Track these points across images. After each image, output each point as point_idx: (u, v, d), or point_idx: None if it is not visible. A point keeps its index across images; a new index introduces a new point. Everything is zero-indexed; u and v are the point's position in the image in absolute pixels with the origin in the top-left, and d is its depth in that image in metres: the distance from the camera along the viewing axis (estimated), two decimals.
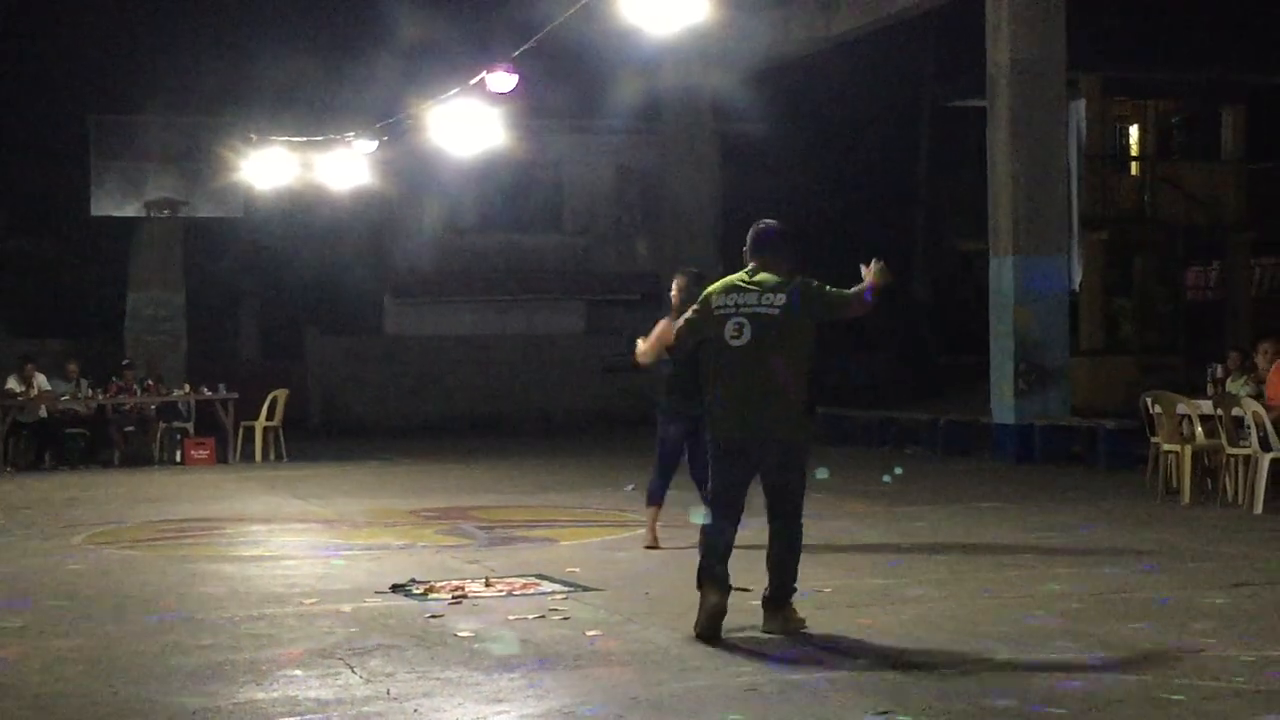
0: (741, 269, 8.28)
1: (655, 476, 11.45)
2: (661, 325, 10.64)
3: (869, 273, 8.15)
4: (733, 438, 8.04)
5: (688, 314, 8.43)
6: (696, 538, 8.14)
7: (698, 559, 8.06)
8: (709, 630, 7.83)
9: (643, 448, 23.20)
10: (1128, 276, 30.36)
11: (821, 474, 14.53)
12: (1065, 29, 20.15)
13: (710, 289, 8.32)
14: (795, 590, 8.13)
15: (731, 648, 7.56)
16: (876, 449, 21.94)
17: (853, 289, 8.16)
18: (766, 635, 7.88)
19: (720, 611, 7.87)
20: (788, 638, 7.87)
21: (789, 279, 8.12)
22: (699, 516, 8.20)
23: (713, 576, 7.94)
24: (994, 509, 14.12)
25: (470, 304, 30.82)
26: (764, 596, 8.13)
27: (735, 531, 8.12)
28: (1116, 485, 16.11)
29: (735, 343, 8.01)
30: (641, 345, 10.73)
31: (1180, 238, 30.14)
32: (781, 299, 8.00)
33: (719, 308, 8.11)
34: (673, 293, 11.16)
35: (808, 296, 8.05)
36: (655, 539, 11.43)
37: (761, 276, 8.12)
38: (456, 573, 10.30)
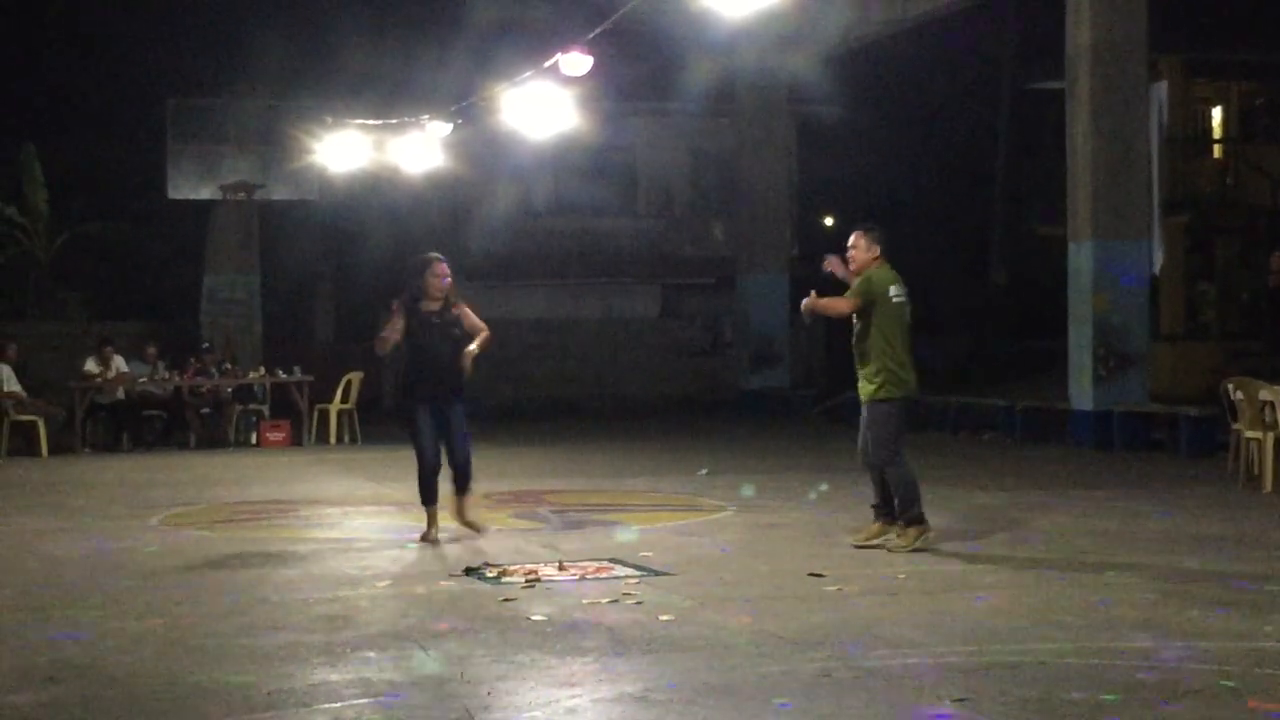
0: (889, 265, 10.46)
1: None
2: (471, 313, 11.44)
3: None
4: (911, 396, 10.44)
5: (865, 295, 10.26)
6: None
7: (914, 505, 10.28)
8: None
9: (717, 432, 23.27)
10: (1209, 261, 29.91)
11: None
12: (1147, 9, 19.87)
13: (879, 278, 10.30)
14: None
15: (805, 633, 7.50)
16: (952, 434, 21.80)
17: None
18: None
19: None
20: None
21: None
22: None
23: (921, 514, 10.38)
24: (1072, 496, 13.98)
25: (544, 287, 30.83)
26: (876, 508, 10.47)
27: None
28: (1197, 473, 15.92)
29: (907, 321, 10.40)
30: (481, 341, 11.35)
31: (1264, 221, 29.65)
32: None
33: (896, 295, 10.34)
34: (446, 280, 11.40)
35: None
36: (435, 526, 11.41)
37: (895, 273, 10.46)
38: (530, 556, 10.30)
